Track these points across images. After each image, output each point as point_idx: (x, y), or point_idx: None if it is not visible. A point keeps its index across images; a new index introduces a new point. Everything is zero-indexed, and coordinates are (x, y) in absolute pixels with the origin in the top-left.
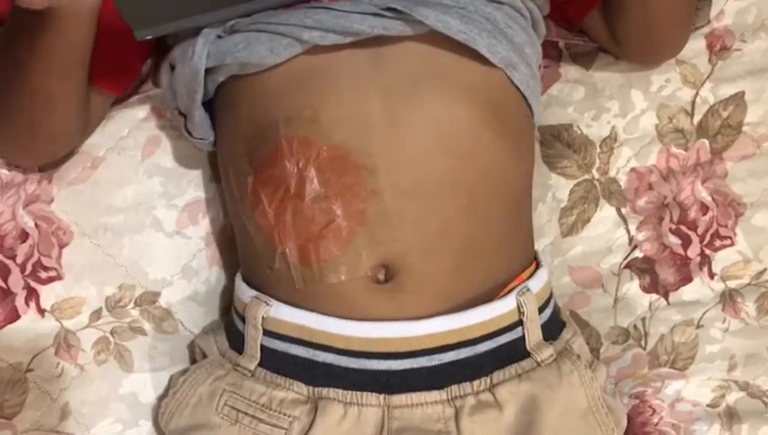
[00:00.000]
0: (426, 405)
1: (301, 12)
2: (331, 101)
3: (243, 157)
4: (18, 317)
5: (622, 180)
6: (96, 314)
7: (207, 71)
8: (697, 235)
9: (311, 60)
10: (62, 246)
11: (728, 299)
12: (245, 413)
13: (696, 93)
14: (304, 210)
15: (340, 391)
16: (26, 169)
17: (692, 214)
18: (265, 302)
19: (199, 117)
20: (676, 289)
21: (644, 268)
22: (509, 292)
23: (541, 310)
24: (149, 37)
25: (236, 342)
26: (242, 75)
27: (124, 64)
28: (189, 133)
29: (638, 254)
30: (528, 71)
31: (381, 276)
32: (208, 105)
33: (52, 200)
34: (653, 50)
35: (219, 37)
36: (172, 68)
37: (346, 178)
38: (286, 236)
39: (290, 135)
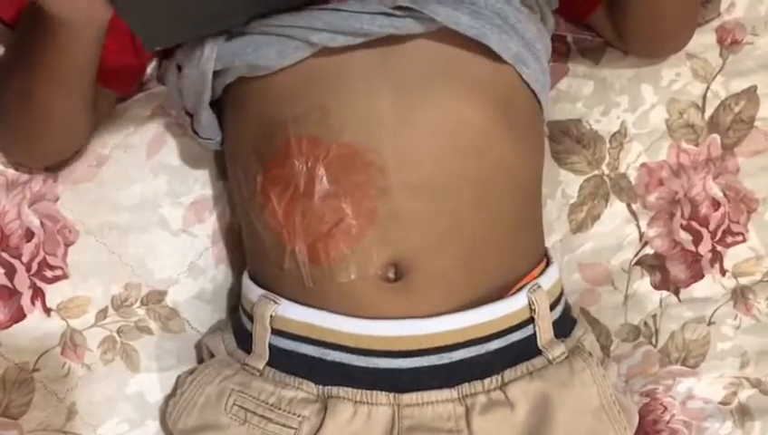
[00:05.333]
0: (436, 404)
1: (309, 14)
2: (339, 100)
3: (251, 156)
4: (24, 317)
5: (632, 176)
6: (102, 314)
7: (215, 72)
8: (708, 231)
9: (320, 60)
10: (67, 245)
11: (740, 296)
12: (254, 413)
13: (708, 88)
14: (314, 209)
15: (350, 389)
16: (31, 168)
17: (703, 210)
18: (273, 300)
19: (206, 118)
20: (687, 286)
21: (654, 265)
22: (520, 289)
23: (552, 307)
24: (159, 48)
25: (244, 341)
26: (250, 76)
27: (130, 63)
28: (196, 133)
29: (648, 250)
30: (538, 66)
31: (391, 275)
32: (215, 104)
33: (57, 199)
34: (658, 45)
35: (227, 39)
36: (179, 68)
37: (356, 176)
38: (296, 235)
39: (299, 134)
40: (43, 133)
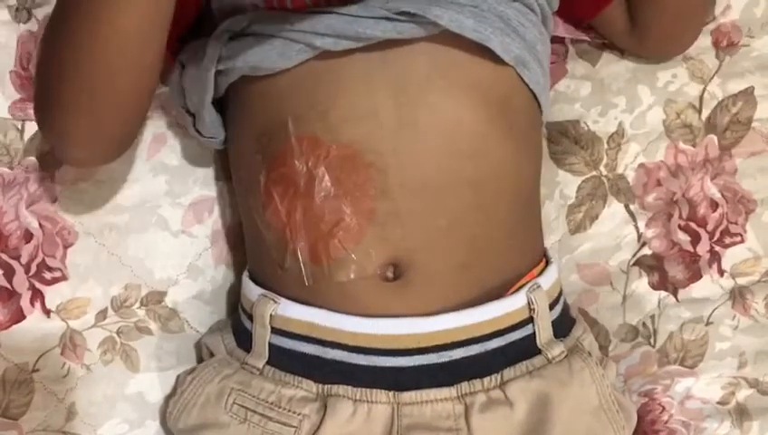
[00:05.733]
0: (435, 402)
1: (313, 17)
2: (340, 101)
3: (254, 155)
4: (23, 318)
5: (630, 177)
6: (102, 314)
7: (218, 72)
8: (707, 232)
9: (321, 62)
10: (66, 247)
11: (738, 296)
12: (254, 412)
13: (704, 89)
14: (314, 209)
15: (350, 388)
16: (28, 168)
17: (701, 211)
18: (273, 300)
19: (209, 117)
20: (686, 286)
21: (653, 265)
22: (519, 288)
23: (551, 307)
24: None
25: (244, 340)
26: (253, 76)
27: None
28: (198, 132)
29: (646, 251)
30: (539, 69)
31: (390, 274)
32: (218, 102)
33: (55, 200)
34: (669, 41)
35: (230, 39)
36: (182, 66)
37: (356, 176)
38: (297, 235)
39: (299, 134)
40: (114, 98)
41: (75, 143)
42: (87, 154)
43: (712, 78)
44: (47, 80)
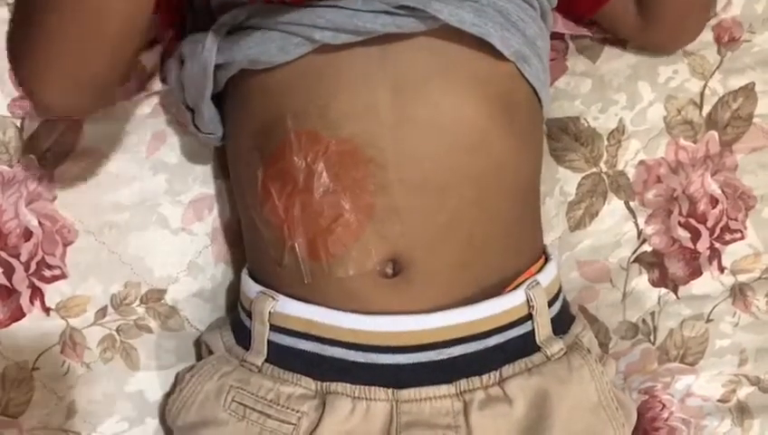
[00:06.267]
0: (434, 399)
1: (312, 11)
2: (339, 96)
3: (252, 151)
4: (23, 316)
5: (630, 173)
6: (102, 312)
7: (217, 66)
8: (707, 228)
9: (320, 56)
10: (66, 245)
11: (738, 293)
12: (253, 409)
13: (705, 84)
14: (313, 205)
15: (349, 385)
16: (27, 166)
17: (701, 207)
18: (272, 297)
19: (208, 112)
20: (686, 283)
21: (653, 262)
22: (518, 285)
23: (550, 304)
24: None
25: (243, 337)
26: (251, 70)
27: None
28: (197, 128)
29: (646, 248)
30: (539, 64)
31: (389, 270)
32: (217, 99)
33: (54, 198)
34: (679, 30)
35: (229, 33)
36: (181, 62)
37: (355, 172)
38: (295, 231)
39: (298, 129)
40: (96, 41)
41: (52, 85)
42: (63, 98)
43: (713, 74)
44: (26, 24)
